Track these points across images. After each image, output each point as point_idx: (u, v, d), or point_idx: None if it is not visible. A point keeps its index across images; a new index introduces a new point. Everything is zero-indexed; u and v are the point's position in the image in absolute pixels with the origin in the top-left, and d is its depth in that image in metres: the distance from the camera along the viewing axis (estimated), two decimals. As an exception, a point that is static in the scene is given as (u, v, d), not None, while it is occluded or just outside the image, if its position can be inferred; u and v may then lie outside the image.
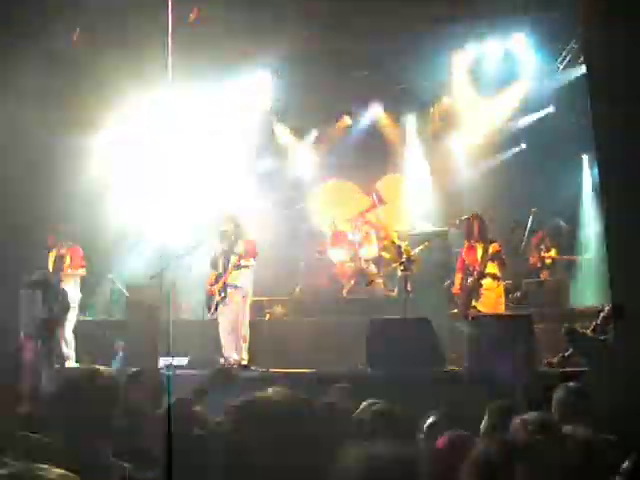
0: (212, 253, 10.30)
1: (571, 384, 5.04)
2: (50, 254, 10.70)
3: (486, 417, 4.67)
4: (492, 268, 9.48)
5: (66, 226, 10.93)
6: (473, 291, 9.47)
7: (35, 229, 11.21)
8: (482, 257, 9.48)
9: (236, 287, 9.89)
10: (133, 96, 12.26)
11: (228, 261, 9.99)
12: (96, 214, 12.78)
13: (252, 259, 10.02)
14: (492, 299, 9.41)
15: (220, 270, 10.06)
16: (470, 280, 9.54)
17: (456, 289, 9.83)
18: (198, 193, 14.48)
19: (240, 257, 9.92)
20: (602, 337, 7.62)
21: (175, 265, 10.64)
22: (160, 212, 14.81)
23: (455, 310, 10.82)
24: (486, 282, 9.43)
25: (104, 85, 11.63)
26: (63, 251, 10.70)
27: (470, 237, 9.73)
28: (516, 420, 3.60)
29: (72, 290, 10.64)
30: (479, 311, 9.34)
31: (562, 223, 12.33)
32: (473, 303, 9.44)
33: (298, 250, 13.61)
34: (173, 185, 14.74)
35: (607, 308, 7.75)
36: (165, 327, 10.39)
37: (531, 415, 3.63)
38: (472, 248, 9.71)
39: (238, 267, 9.92)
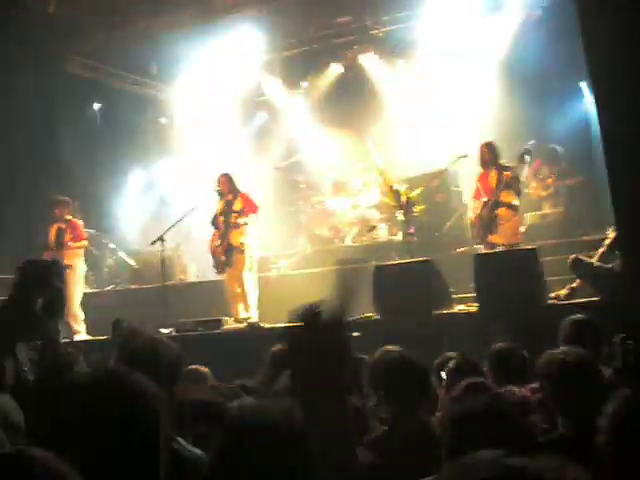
0: (212, 213, 10.30)
1: (577, 316, 5.01)
2: (52, 228, 10.71)
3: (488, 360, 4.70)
4: (507, 197, 9.33)
5: (66, 199, 10.91)
6: (489, 221, 9.33)
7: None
8: (496, 184, 9.35)
9: (239, 247, 9.89)
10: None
11: (228, 219, 9.97)
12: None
13: (252, 214, 10.01)
14: (509, 231, 9.23)
15: (222, 228, 10.06)
16: (485, 210, 9.42)
17: (471, 218, 9.77)
18: (193, 155, 14.51)
19: (239, 214, 9.91)
20: (608, 265, 7.55)
21: (175, 229, 10.67)
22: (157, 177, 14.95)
23: (460, 249, 10.84)
24: (501, 212, 9.28)
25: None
26: (63, 225, 10.69)
27: (483, 164, 9.61)
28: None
29: (78, 263, 10.70)
30: (494, 244, 9.23)
31: (558, 148, 12.19)
32: (489, 236, 9.31)
33: (298, 202, 13.56)
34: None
35: (611, 234, 7.66)
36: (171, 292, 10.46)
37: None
38: (486, 175, 9.60)
39: (237, 226, 9.90)
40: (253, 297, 9.93)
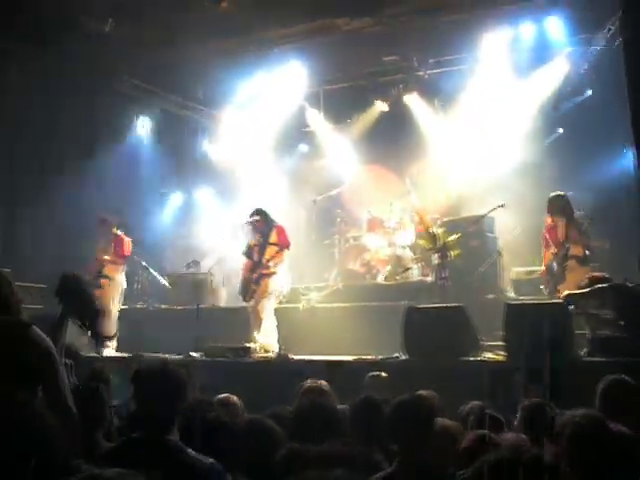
0: (246, 244, 10.48)
1: (618, 376, 4.92)
2: (99, 244, 11.00)
3: (519, 414, 4.70)
4: (575, 250, 9.26)
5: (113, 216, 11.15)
6: (559, 273, 9.25)
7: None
8: (565, 237, 9.30)
9: (269, 276, 10.04)
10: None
11: (263, 251, 10.15)
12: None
13: (286, 249, 10.19)
14: (577, 280, 8.77)
15: (256, 259, 10.21)
16: (555, 262, 9.38)
17: (543, 271, 9.66)
18: (232, 182, 14.70)
19: (275, 247, 10.09)
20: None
21: (209, 257, 10.82)
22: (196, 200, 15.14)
23: (490, 296, 10.84)
24: (571, 264, 9.20)
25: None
26: (111, 239, 10.94)
27: (553, 214, 9.53)
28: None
29: (118, 277, 10.95)
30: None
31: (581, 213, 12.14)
32: (558, 287, 9.13)
33: (333, 237, 13.65)
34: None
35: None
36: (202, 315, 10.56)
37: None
38: (554, 226, 9.53)
39: (273, 258, 10.08)
40: (271, 326, 10.07)
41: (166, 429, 3.26)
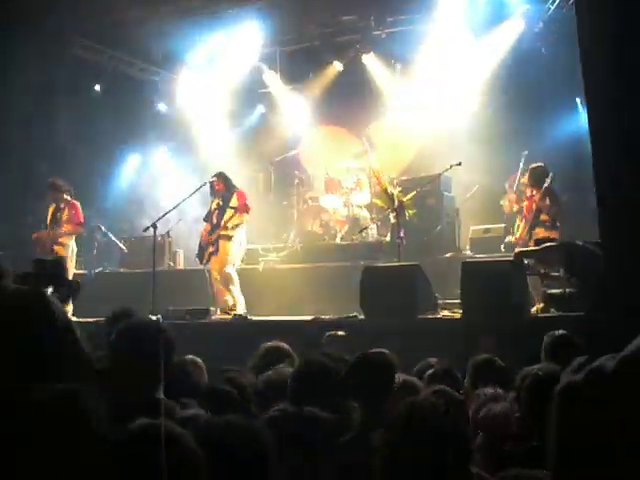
0: (208, 207, 10.48)
1: (558, 332, 5.09)
2: (50, 208, 10.78)
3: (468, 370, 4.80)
4: (544, 217, 9.34)
5: (64, 181, 10.95)
6: (528, 240, 9.30)
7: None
8: (540, 204, 9.34)
9: (228, 239, 10.06)
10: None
11: (222, 214, 10.14)
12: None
13: (245, 213, 10.20)
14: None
15: (215, 221, 10.22)
16: (525, 231, 9.46)
17: (517, 237, 9.70)
18: (189, 144, 14.58)
19: (235, 211, 10.09)
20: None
21: (165, 219, 10.76)
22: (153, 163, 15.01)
23: (448, 254, 10.97)
24: (538, 231, 9.29)
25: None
26: (62, 205, 10.76)
27: (533, 185, 9.57)
28: None
29: (70, 242, 10.80)
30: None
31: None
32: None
33: (291, 197, 13.64)
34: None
35: None
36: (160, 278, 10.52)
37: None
38: (533, 197, 9.56)
39: (231, 222, 10.09)
40: (237, 289, 10.08)
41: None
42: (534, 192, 9.53)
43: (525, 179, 9.98)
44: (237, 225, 10.20)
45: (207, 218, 10.51)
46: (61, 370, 2.98)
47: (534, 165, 9.77)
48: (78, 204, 10.92)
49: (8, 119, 11.87)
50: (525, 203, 9.79)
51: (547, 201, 9.34)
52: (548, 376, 3.48)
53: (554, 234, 9.11)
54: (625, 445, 1.29)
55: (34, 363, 2.84)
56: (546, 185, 9.36)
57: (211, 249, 10.22)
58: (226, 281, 10.08)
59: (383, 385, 3.90)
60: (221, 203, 10.33)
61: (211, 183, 10.39)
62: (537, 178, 9.54)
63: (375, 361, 4.03)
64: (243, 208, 10.25)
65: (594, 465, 1.34)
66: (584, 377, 1.41)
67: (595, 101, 6.75)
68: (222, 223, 10.15)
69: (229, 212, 10.17)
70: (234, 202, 10.24)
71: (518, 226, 9.81)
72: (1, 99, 11.70)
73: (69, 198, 10.82)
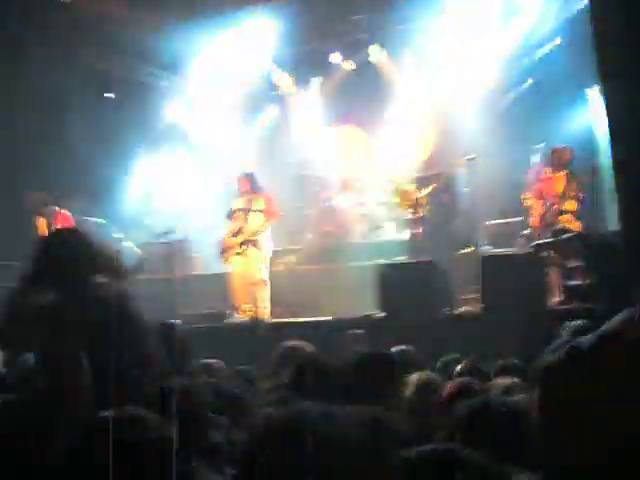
0: (229, 207, 10.41)
1: (574, 322, 5.01)
2: (38, 220, 10.35)
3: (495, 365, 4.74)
4: (571, 205, 9.21)
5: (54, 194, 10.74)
6: (552, 226, 9.11)
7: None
8: (563, 191, 9.19)
9: (256, 244, 9.99)
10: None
11: (246, 216, 10.05)
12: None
13: (273, 219, 10.18)
14: None
15: (237, 225, 10.11)
16: (549, 214, 9.28)
17: (535, 221, 9.52)
18: (202, 148, 14.54)
19: (260, 215, 9.99)
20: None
21: (183, 223, 10.72)
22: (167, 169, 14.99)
23: (466, 249, 10.89)
24: (564, 218, 9.13)
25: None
26: (53, 217, 10.26)
27: (555, 166, 9.43)
28: None
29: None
30: None
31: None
32: None
33: (306, 198, 13.59)
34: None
35: None
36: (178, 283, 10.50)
37: None
38: (552, 178, 9.43)
39: (261, 227, 10.05)
40: (266, 294, 10.04)
41: None
42: (556, 173, 9.38)
43: (548, 169, 9.78)
44: (264, 230, 10.12)
45: (229, 217, 10.37)
46: None
47: (561, 146, 9.63)
48: (67, 212, 10.54)
49: (18, 123, 11.86)
50: (539, 184, 9.61)
51: (574, 185, 9.17)
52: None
53: (577, 225, 8.97)
54: (602, 417, 1.36)
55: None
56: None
57: (238, 249, 10.09)
58: (258, 285, 9.99)
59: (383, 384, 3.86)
60: (245, 204, 10.22)
61: (238, 182, 10.30)
62: (561, 159, 9.39)
63: (373, 361, 3.98)
64: (273, 213, 10.16)
65: (576, 437, 1.39)
66: (563, 355, 1.45)
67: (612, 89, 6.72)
68: (250, 228, 10.05)
69: (256, 216, 10.07)
70: (260, 205, 10.12)
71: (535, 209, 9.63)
72: (12, 102, 11.70)
73: (58, 209, 10.38)
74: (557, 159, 9.48)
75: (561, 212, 9.19)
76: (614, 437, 1.34)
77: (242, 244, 10.02)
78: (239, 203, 10.29)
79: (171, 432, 2.01)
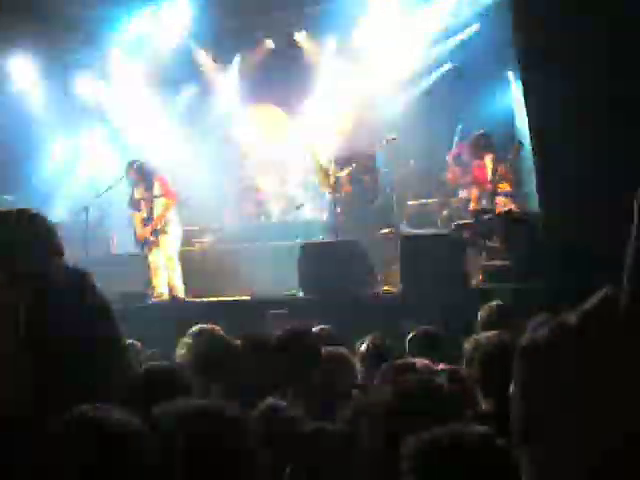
0: (129, 194, 10.31)
1: (493, 303, 5.11)
2: None
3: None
4: (503, 186, 9.33)
5: None
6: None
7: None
8: (492, 174, 9.31)
9: (165, 232, 9.93)
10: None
11: (151, 204, 9.94)
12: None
13: (172, 201, 10.10)
14: None
15: (145, 215, 9.98)
16: (483, 199, 9.41)
17: (473, 207, 9.60)
18: (120, 124, 14.24)
19: (162, 200, 9.91)
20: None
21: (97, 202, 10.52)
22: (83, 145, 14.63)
23: (385, 230, 10.95)
24: (500, 200, 9.23)
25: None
26: None
27: (476, 153, 9.62)
28: None
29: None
30: None
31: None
32: None
33: (225, 177, 13.46)
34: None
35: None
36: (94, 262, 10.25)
37: None
38: (482, 167, 9.56)
39: (163, 214, 9.97)
40: (178, 274, 9.92)
41: None
42: (485, 159, 9.53)
43: (468, 149, 9.94)
44: (168, 215, 10.02)
45: (133, 205, 10.28)
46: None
47: (476, 134, 9.78)
48: None
49: None
50: (471, 174, 9.78)
51: (502, 167, 9.33)
52: (498, 345, 3.47)
53: (513, 204, 9.13)
54: (591, 398, 1.35)
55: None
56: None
57: (152, 238, 10.02)
58: (170, 266, 9.91)
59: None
60: (144, 192, 10.12)
61: (126, 173, 10.16)
62: (485, 144, 9.54)
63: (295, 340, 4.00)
64: (171, 194, 10.07)
65: (562, 421, 1.38)
66: (547, 333, 1.42)
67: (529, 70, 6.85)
68: (155, 218, 9.96)
69: (158, 202, 9.98)
70: (157, 190, 10.03)
71: (474, 197, 9.77)
72: None
73: None
74: (475, 147, 9.65)
75: (496, 194, 9.31)
76: (601, 414, 1.34)
77: (152, 233, 9.93)
78: (139, 192, 10.19)
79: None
